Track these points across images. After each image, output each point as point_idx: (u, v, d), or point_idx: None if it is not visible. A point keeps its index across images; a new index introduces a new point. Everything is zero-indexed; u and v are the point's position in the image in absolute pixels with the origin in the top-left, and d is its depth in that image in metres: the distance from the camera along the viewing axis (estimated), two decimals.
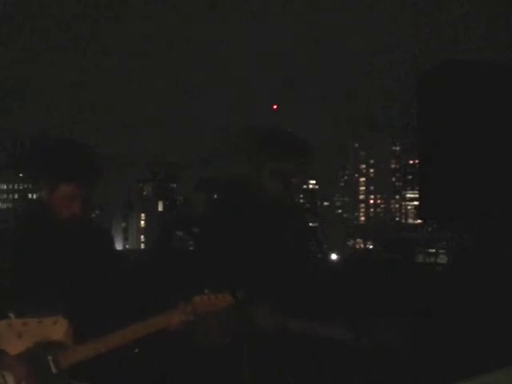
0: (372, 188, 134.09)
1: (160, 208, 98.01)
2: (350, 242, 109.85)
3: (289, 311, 2.84)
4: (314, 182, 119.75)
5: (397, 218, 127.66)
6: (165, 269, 2.96)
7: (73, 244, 2.74)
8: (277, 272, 2.88)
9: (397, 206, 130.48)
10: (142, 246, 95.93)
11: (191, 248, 2.90)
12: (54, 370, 2.41)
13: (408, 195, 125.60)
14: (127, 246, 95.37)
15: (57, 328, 2.39)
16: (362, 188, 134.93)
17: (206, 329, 2.66)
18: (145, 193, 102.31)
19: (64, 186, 2.68)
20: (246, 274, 2.68)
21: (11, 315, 2.43)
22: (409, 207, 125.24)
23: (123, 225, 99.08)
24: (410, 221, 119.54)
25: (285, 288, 2.85)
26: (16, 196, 79.73)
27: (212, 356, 2.75)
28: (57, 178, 2.69)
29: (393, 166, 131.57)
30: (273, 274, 2.86)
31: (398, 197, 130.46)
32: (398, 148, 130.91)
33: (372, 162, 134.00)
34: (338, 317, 2.86)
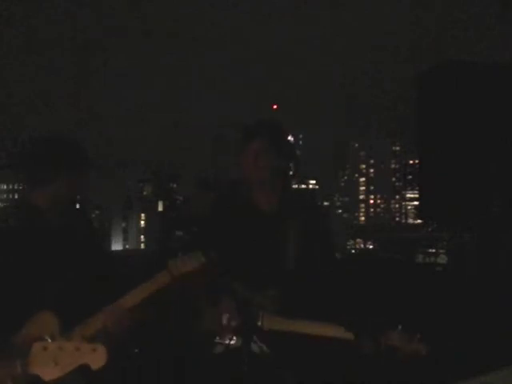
0: (372, 188, 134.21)
1: (160, 208, 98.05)
2: (350, 242, 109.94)
3: (288, 311, 2.84)
4: (313, 182, 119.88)
5: (397, 218, 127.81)
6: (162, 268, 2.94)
7: (67, 243, 2.76)
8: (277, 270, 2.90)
9: (397, 206, 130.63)
10: (142, 246, 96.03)
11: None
12: None
13: (408, 195, 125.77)
14: (127, 246, 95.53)
15: (96, 356, 2.20)
16: (362, 188, 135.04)
17: (183, 291, 2.70)
18: (145, 193, 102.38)
19: (66, 181, 2.72)
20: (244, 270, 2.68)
21: (47, 338, 2.29)
22: (409, 207, 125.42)
23: (123, 225, 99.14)
24: (410, 221, 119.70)
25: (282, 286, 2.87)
26: (16, 196, 79.83)
27: (212, 356, 2.75)
28: (57, 175, 2.72)
29: (393, 166, 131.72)
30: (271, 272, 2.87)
31: (398, 197, 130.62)
32: (398, 148, 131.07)
33: (372, 162, 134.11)
34: (337, 317, 2.86)
